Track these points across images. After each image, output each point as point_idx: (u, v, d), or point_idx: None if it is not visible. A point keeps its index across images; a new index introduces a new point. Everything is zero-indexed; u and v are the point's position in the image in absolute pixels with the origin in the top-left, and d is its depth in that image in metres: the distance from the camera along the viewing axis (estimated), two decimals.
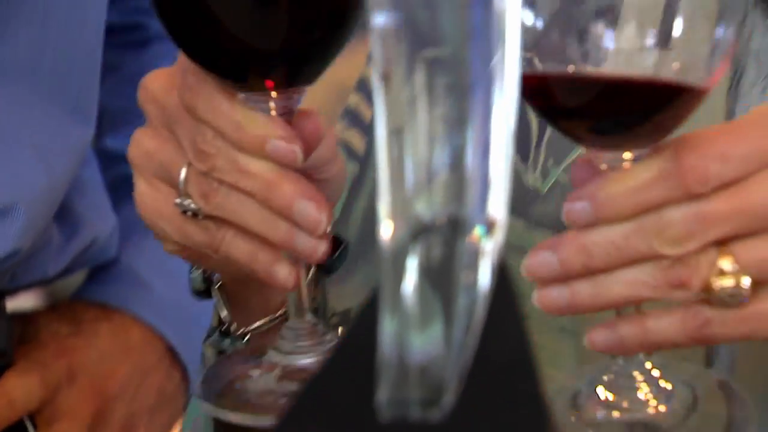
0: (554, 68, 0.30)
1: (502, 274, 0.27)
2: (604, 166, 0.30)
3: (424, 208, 0.25)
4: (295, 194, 0.31)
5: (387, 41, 0.25)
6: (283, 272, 0.31)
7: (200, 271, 0.38)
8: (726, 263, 0.27)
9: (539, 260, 0.29)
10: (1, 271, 0.50)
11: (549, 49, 0.29)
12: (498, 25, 0.25)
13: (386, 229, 0.25)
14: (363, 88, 0.45)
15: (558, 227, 0.38)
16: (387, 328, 0.23)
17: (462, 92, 0.25)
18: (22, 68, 0.47)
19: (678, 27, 0.28)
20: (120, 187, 0.59)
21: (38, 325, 0.59)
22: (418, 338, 0.24)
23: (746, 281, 0.27)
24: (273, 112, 0.31)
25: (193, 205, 0.32)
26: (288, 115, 0.32)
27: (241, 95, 0.31)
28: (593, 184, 0.29)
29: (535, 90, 0.30)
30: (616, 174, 0.29)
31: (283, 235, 0.31)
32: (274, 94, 0.31)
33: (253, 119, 0.31)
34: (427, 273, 0.25)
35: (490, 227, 0.25)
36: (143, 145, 0.35)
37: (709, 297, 0.28)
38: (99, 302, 0.62)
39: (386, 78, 0.25)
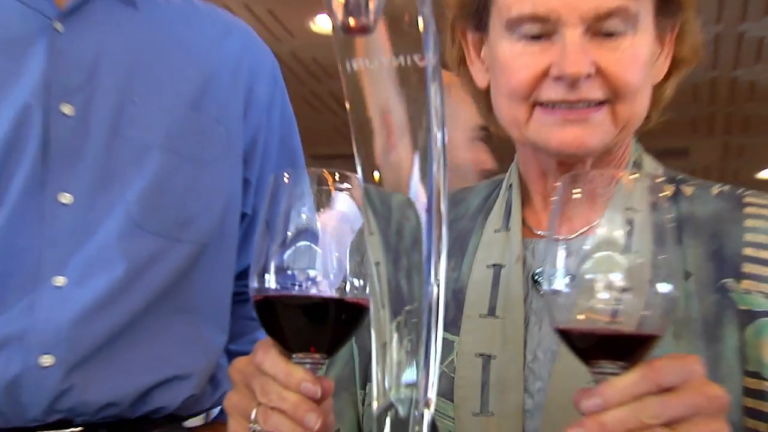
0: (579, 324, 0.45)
1: (434, 426, 0.47)
2: (600, 378, 0.45)
3: (395, 394, 0.47)
4: (307, 411, 0.48)
5: (378, 300, 0.49)
6: None
7: None
8: None
9: None
10: (185, 405, 0.82)
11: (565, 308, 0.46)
12: (437, 291, 0.47)
13: (375, 405, 0.48)
14: None
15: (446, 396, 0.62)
16: None
17: (419, 329, 0.47)
18: (199, 307, 0.81)
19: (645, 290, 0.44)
20: None
21: None
22: None
23: None
24: (308, 366, 0.50)
25: (258, 427, 0.52)
26: (315, 370, 0.51)
27: (293, 356, 0.51)
28: (600, 388, 0.44)
29: (576, 340, 0.46)
30: (613, 380, 0.44)
31: None
32: (317, 357, 0.51)
33: (296, 370, 0.50)
34: (395, 427, 0.47)
35: (428, 404, 0.47)
36: (232, 399, 0.54)
37: None
38: None
39: (377, 319, 0.48)
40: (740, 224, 0.58)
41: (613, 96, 0.57)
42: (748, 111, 2.95)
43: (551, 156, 0.61)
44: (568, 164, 0.60)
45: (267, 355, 0.51)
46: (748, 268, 0.57)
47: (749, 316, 0.56)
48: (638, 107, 0.59)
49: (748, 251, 0.57)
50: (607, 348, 0.46)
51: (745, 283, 0.56)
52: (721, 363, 0.55)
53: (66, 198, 0.75)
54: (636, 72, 0.57)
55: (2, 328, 0.72)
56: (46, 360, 0.73)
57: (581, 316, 0.45)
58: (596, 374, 0.46)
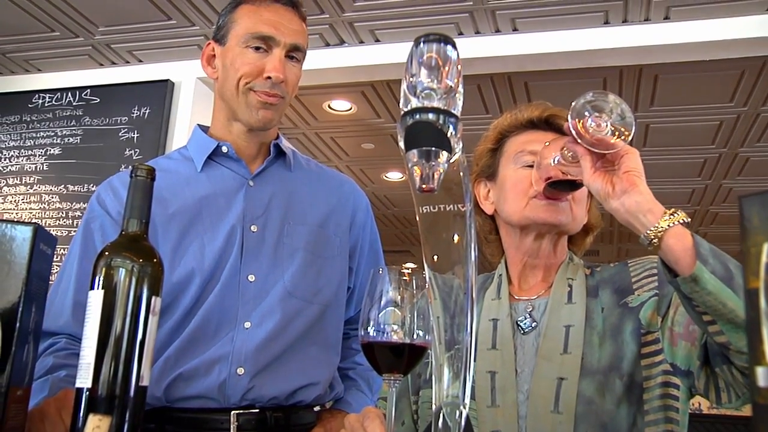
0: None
1: (468, 422, 0.64)
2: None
3: (445, 401, 0.66)
4: None
5: (437, 340, 0.67)
6: None
7: None
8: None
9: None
10: (315, 399, 1.00)
11: None
12: (471, 330, 0.66)
13: (434, 407, 0.65)
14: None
15: None
16: None
17: (461, 355, 0.66)
18: (324, 341, 1.04)
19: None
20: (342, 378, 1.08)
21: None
22: None
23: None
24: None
25: None
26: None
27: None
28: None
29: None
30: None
31: None
32: (398, 375, 0.63)
33: None
34: (445, 420, 0.65)
35: (465, 405, 0.65)
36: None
37: None
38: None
39: (435, 351, 0.66)
40: (627, 272, 0.84)
41: (570, 196, 0.84)
42: (628, 230, 4.97)
43: (536, 228, 0.87)
44: (542, 235, 0.87)
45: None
46: (636, 285, 0.83)
47: (641, 305, 0.80)
48: (580, 210, 0.89)
49: (634, 279, 0.83)
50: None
51: (637, 292, 0.81)
52: (623, 344, 0.78)
53: (252, 277, 0.98)
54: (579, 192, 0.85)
55: (216, 351, 0.93)
56: (240, 371, 0.94)
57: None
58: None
